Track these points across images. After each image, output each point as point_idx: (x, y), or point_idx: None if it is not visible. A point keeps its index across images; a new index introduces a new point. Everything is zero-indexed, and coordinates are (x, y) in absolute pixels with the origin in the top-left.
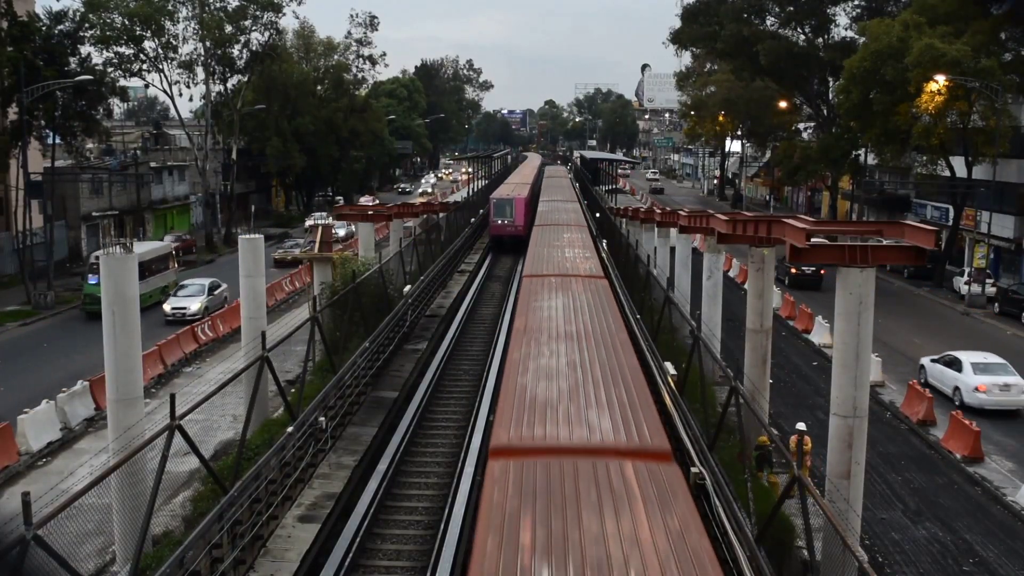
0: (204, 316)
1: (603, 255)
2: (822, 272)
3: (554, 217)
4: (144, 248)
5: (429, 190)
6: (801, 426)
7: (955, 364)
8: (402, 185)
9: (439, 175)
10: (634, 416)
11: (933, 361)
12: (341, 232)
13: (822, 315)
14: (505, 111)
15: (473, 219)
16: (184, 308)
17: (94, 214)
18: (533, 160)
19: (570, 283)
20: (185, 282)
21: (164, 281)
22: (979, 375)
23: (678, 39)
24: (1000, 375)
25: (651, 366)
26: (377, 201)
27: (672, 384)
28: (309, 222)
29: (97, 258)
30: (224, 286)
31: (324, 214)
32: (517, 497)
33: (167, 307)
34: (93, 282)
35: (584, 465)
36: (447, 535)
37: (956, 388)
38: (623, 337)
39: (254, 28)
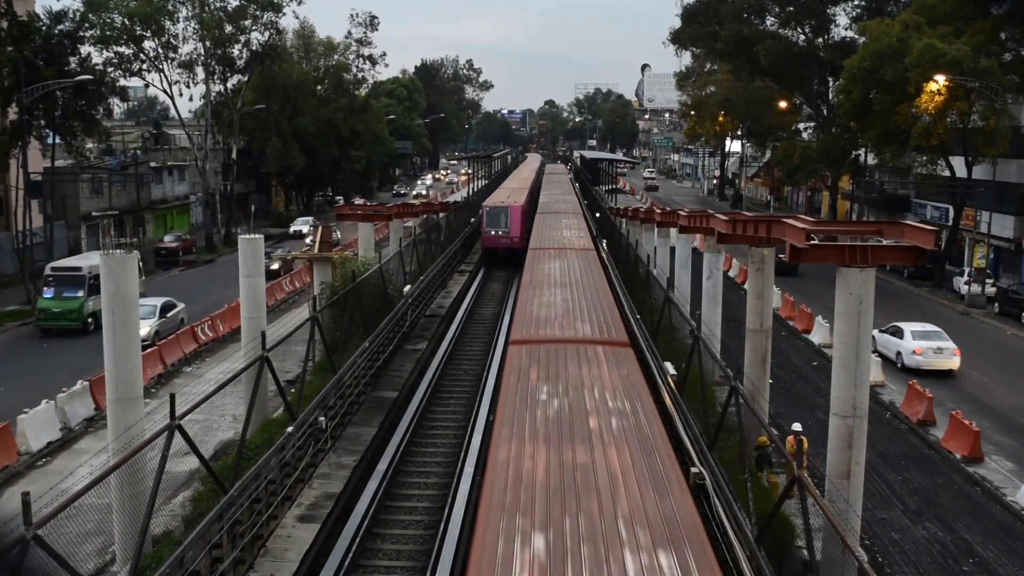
0: (155, 342)
1: (594, 234)
2: None
3: (554, 207)
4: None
5: (425, 192)
6: (797, 427)
7: (898, 333)
8: (397, 188)
9: (436, 176)
10: (606, 324)
11: (881, 332)
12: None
13: (815, 310)
14: (505, 111)
15: (473, 219)
16: None
17: (94, 214)
18: (532, 162)
19: (566, 253)
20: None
21: None
22: (917, 340)
23: (678, 39)
24: (935, 340)
25: (623, 301)
26: (369, 204)
27: (672, 384)
28: (294, 227)
29: (53, 270)
30: (181, 306)
31: (311, 219)
32: (527, 360)
33: None
34: (48, 296)
35: (570, 348)
36: (447, 535)
37: (898, 353)
38: (603, 286)
39: (254, 28)
